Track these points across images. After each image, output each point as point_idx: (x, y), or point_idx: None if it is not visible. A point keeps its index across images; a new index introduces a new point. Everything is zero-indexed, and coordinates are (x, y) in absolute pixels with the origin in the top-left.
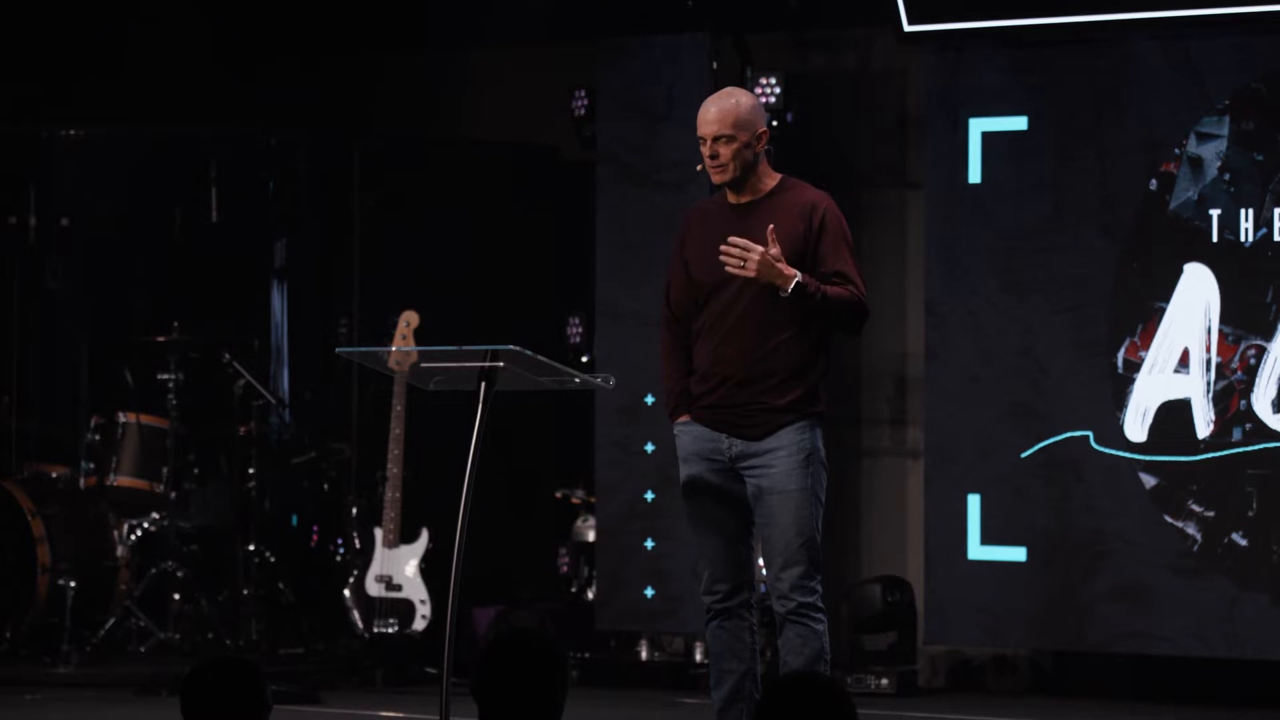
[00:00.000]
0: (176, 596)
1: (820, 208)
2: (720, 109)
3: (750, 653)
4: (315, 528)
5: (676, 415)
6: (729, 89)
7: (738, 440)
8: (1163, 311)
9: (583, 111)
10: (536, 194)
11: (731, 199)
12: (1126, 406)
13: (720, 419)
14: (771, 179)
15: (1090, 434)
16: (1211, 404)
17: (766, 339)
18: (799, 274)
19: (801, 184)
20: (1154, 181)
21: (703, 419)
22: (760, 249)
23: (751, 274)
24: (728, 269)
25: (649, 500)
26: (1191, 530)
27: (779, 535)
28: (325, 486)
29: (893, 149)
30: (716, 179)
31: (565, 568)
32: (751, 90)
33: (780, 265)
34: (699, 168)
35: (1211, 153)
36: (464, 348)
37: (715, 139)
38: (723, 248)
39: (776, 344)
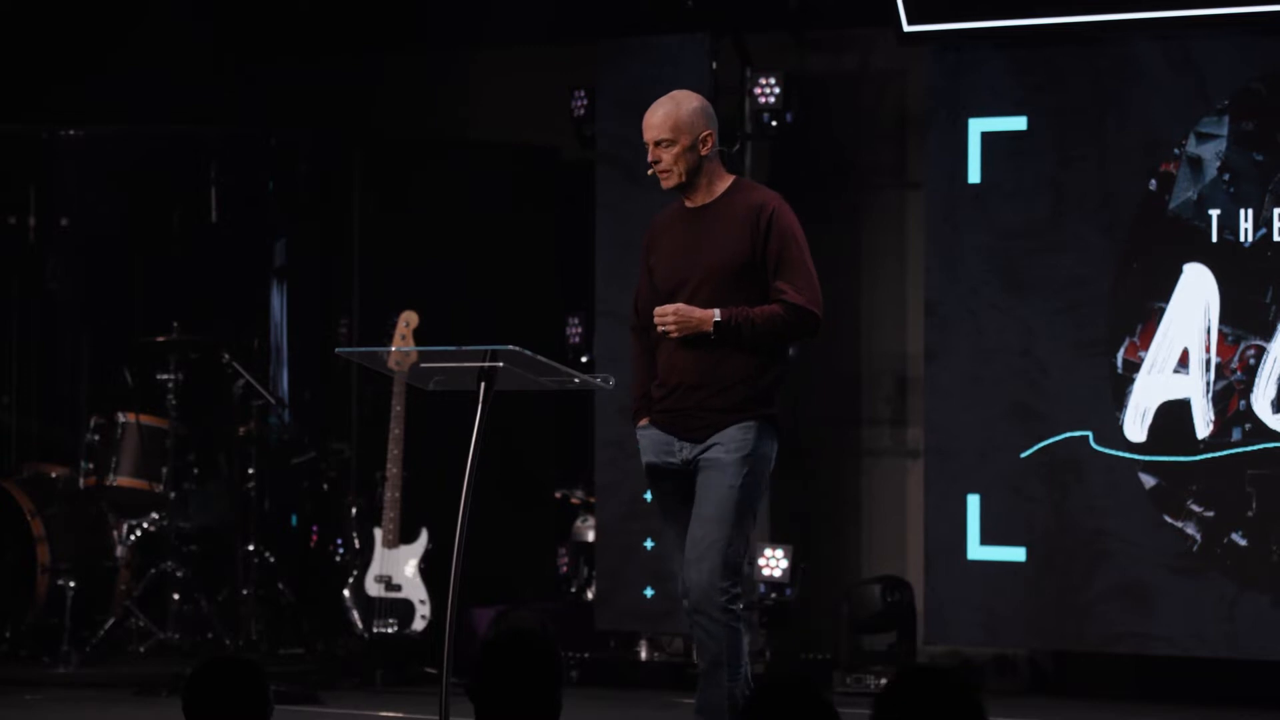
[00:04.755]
0: (176, 596)
1: (768, 209)
2: (662, 113)
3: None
4: (315, 528)
5: (638, 419)
6: (675, 92)
7: (687, 443)
8: (1162, 311)
9: (583, 111)
10: (537, 194)
11: (687, 203)
12: (1126, 406)
13: (673, 423)
14: (723, 181)
15: (1090, 434)
16: (1211, 404)
17: (718, 345)
18: (716, 312)
19: (753, 185)
20: (1154, 181)
21: (659, 423)
22: (671, 306)
23: (676, 334)
24: (666, 332)
25: (649, 500)
26: (1191, 530)
27: (697, 528)
28: (325, 486)
29: (893, 149)
30: (663, 184)
31: (565, 568)
32: (751, 90)
33: (694, 313)
34: (649, 172)
35: (1211, 153)
36: (464, 348)
37: (656, 144)
38: (655, 318)
39: (728, 350)
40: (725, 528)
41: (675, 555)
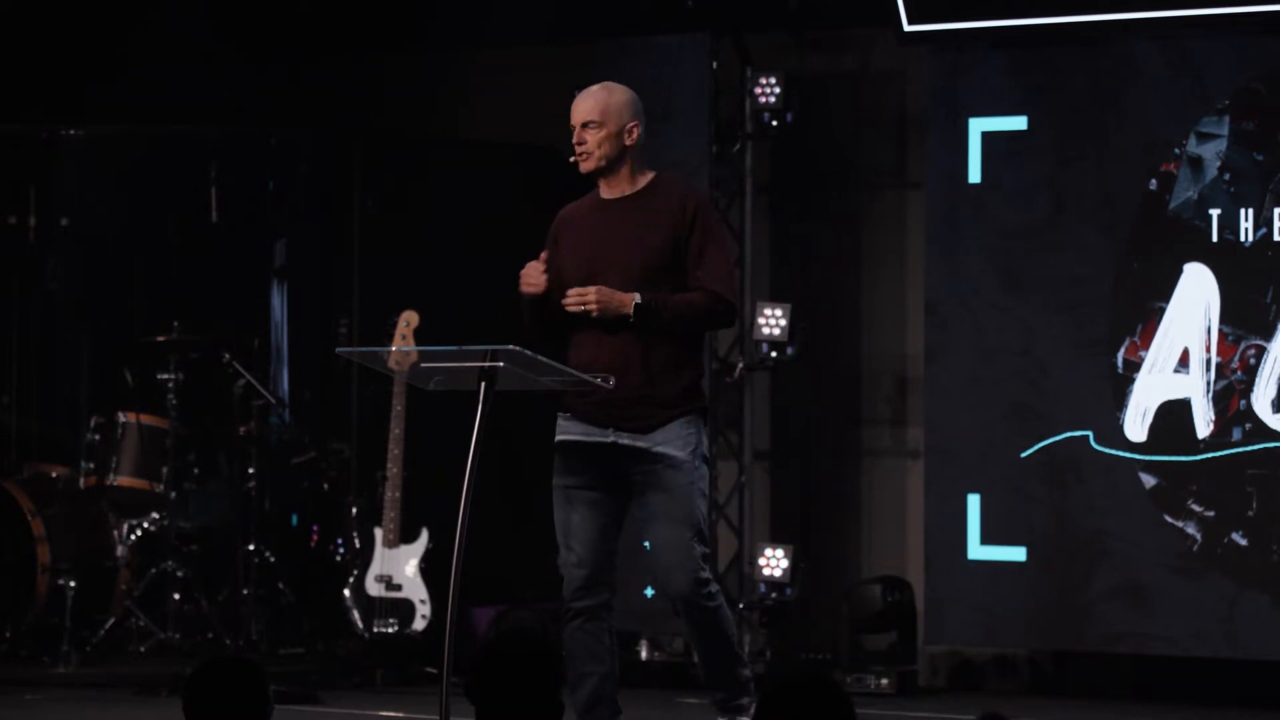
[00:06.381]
0: (176, 596)
1: (691, 205)
2: (591, 97)
3: (609, 654)
4: (315, 528)
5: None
6: (607, 82)
7: (624, 434)
8: (1163, 311)
9: None
10: (537, 194)
11: (604, 194)
12: (1126, 406)
13: (605, 415)
14: (644, 177)
15: (1090, 434)
16: (1211, 404)
17: (641, 332)
18: (637, 295)
19: (674, 181)
20: (1154, 181)
21: (587, 415)
22: (593, 288)
23: (596, 314)
24: (575, 309)
25: None
26: (1191, 530)
27: (670, 530)
28: (325, 486)
29: (893, 149)
30: (583, 167)
31: None
32: (751, 90)
33: (615, 294)
34: (570, 159)
35: (1211, 153)
36: (464, 348)
37: (583, 125)
38: (567, 299)
39: (652, 338)
40: (694, 523)
41: (576, 560)
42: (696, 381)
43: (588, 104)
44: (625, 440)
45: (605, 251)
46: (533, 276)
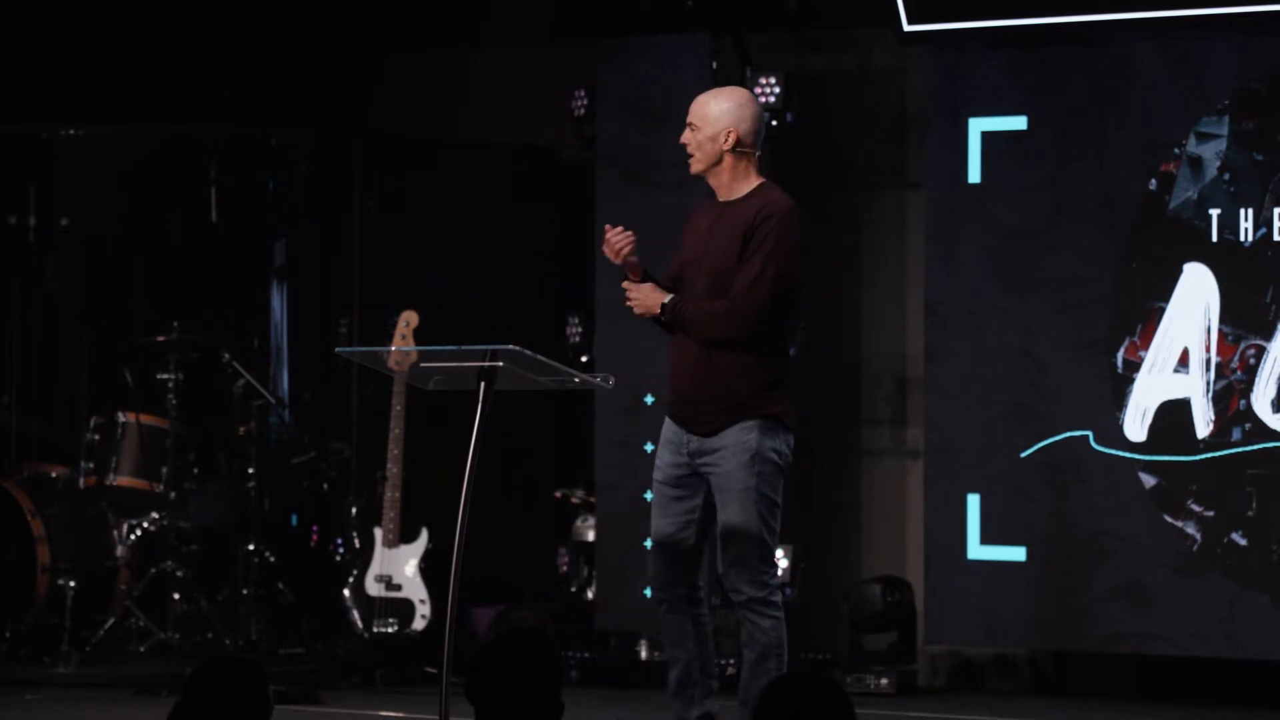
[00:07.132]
0: (176, 596)
1: (761, 215)
2: (698, 99)
3: (694, 639)
4: (315, 528)
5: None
6: (727, 87)
7: (695, 437)
8: (1162, 311)
9: (583, 111)
10: (536, 194)
11: (720, 196)
12: (1126, 406)
13: (681, 415)
14: (748, 184)
15: (1090, 434)
16: (1211, 404)
17: (707, 342)
18: (664, 299)
19: (766, 192)
20: (1154, 181)
21: (674, 415)
22: (644, 286)
23: (637, 310)
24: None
25: (649, 500)
26: (1191, 530)
27: (727, 532)
28: (325, 486)
29: (893, 149)
30: (690, 167)
31: (565, 568)
32: (751, 90)
33: (653, 296)
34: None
35: (1211, 153)
36: (464, 348)
37: (688, 125)
38: (627, 290)
39: (719, 347)
40: (754, 525)
41: (658, 550)
42: (766, 387)
43: (693, 106)
44: (695, 442)
45: (693, 255)
46: (615, 241)
